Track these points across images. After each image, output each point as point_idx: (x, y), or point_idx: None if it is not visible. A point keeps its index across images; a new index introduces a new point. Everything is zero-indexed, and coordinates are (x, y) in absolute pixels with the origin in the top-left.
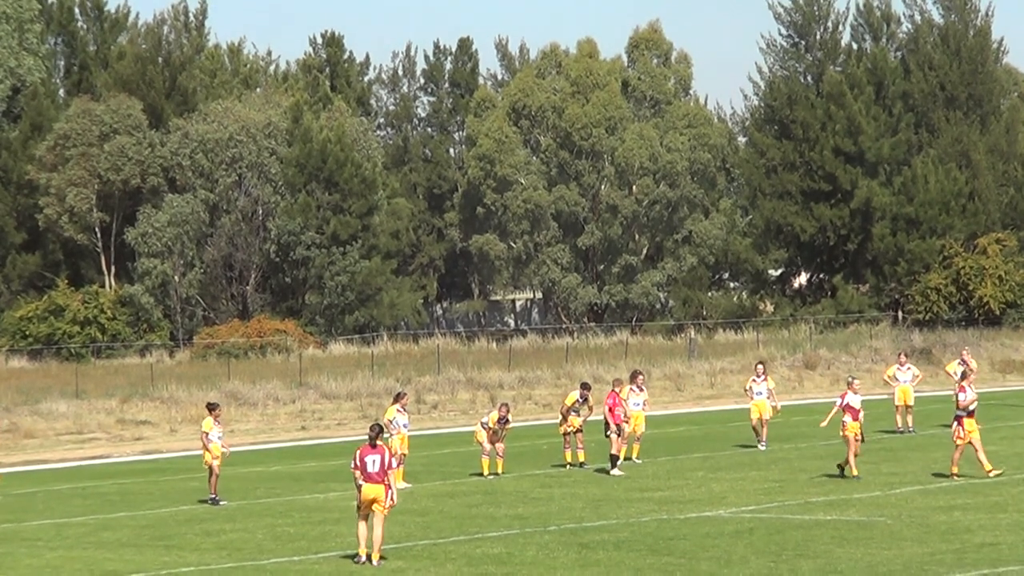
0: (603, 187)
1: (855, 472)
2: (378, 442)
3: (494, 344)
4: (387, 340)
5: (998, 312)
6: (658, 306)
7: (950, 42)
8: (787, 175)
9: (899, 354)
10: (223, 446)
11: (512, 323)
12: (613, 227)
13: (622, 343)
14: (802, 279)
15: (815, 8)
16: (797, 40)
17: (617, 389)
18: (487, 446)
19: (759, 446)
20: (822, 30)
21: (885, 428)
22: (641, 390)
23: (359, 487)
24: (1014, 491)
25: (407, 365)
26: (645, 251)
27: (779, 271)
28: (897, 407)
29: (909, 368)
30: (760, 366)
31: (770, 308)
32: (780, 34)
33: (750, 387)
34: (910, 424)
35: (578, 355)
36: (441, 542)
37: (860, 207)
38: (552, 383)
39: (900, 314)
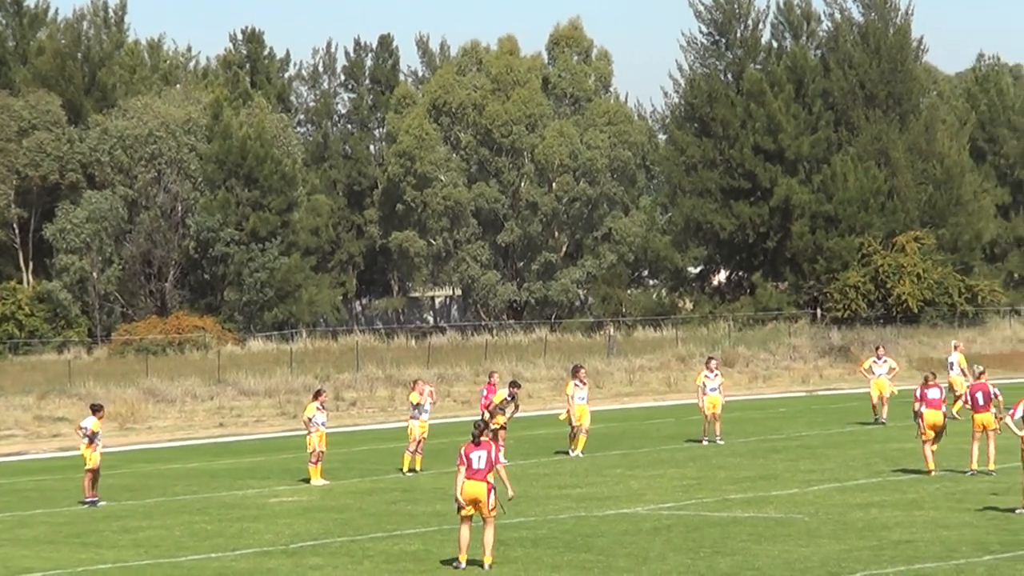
0: (523, 184)
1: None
2: (483, 438)
3: (413, 341)
4: (306, 337)
5: (916, 310)
6: (577, 303)
7: (870, 41)
8: (707, 173)
9: (876, 348)
10: None
11: (431, 320)
12: (533, 224)
13: (541, 340)
14: (721, 277)
15: (735, 6)
16: (717, 38)
17: (494, 382)
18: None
19: (716, 440)
20: (742, 28)
21: (860, 420)
22: (584, 384)
23: (460, 485)
24: (931, 488)
25: (326, 362)
26: (565, 248)
27: (698, 269)
28: (874, 401)
29: (886, 361)
30: (713, 361)
31: (689, 306)
32: (700, 32)
33: (703, 383)
34: (884, 415)
35: (497, 352)
36: (359, 539)
37: (779, 205)
38: (471, 380)
39: (819, 312)
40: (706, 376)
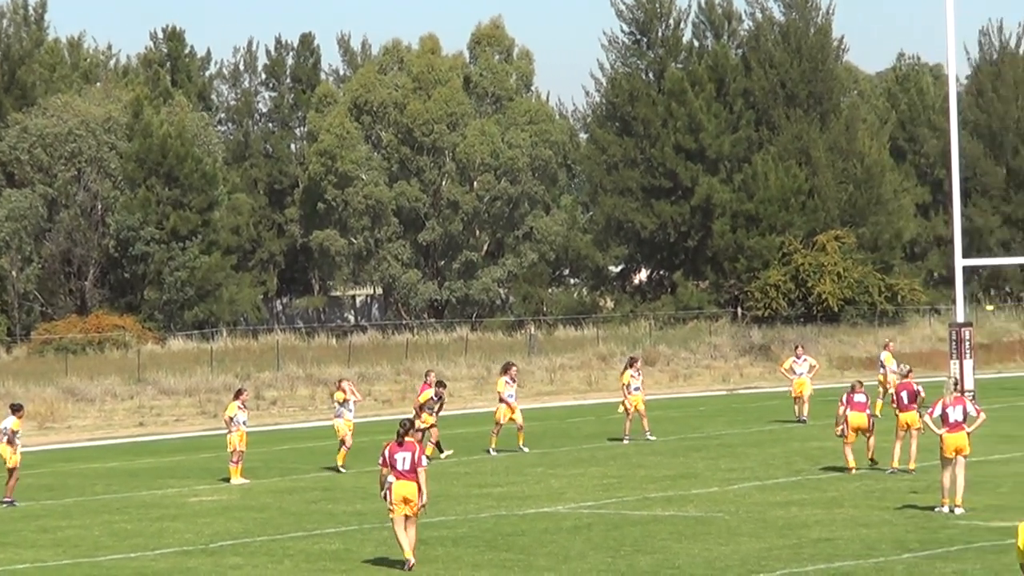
0: (444, 183)
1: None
2: (408, 439)
3: (334, 340)
4: (226, 336)
5: (836, 309)
6: (498, 302)
7: (791, 40)
8: (628, 172)
9: (796, 347)
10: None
11: (352, 319)
12: (454, 223)
13: (462, 339)
14: (642, 275)
15: (657, 5)
16: (639, 37)
17: (430, 381)
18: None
19: (647, 437)
20: (664, 27)
21: (780, 419)
22: (514, 381)
23: (389, 486)
24: (850, 487)
25: (246, 361)
26: (486, 247)
27: (619, 268)
28: (795, 398)
29: (805, 360)
30: (636, 360)
31: (610, 304)
32: (622, 31)
33: (628, 383)
34: (805, 413)
35: (418, 351)
36: (279, 538)
37: (700, 204)
38: (392, 379)
39: (739, 310)
40: (632, 375)
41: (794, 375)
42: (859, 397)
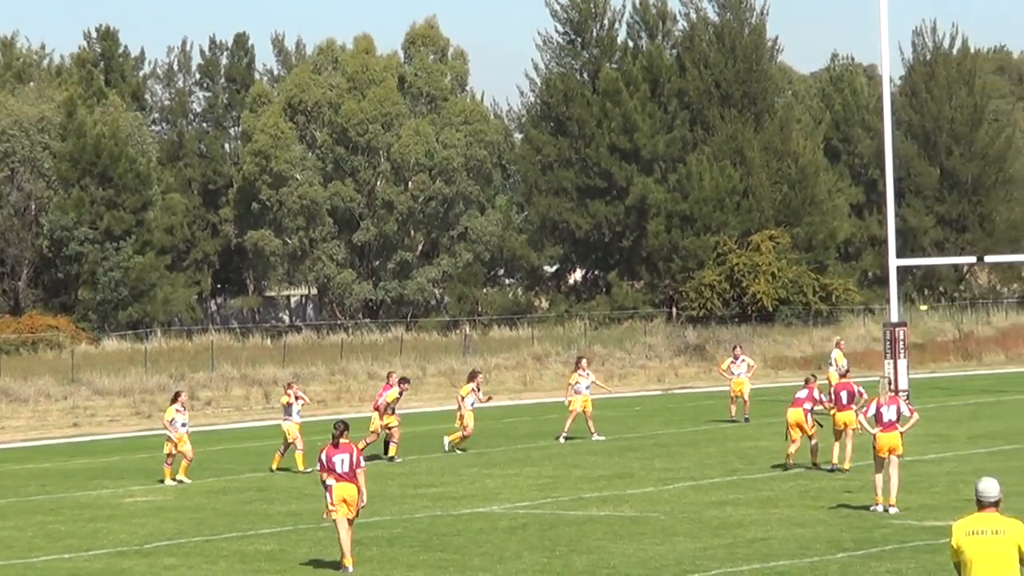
0: (379, 183)
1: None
2: (342, 440)
3: (268, 340)
4: (160, 336)
5: (771, 309)
6: (433, 302)
7: (725, 40)
8: (563, 172)
9: (734, 347)
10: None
11: (287, 319)
12: (389, 223)
13: (397, 339)
14: (577, 275)
15: (591, 5)
16: (573, 37)
17: (392, 382)
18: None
19: (593, 436)
20: (598, 27)
21: (716, 419)
22: (479, 390)
23: (328, 488)
24: (785, 486)
25: (180, 361)
26: (421, 247)
27: (554, 267)
28: (733, 398)
29: (743, 360)
30: (583, 360)
31: (545, 304)
32: (557, 31)
33: (576, 381)
34: (746, 412)
35: (353, 351)
36: (214, 539)
37: (635, 204)
38: (327, 379)
39: (674, 310)
40: (580, 375)
41: (732, 376)
42: (801, 393)
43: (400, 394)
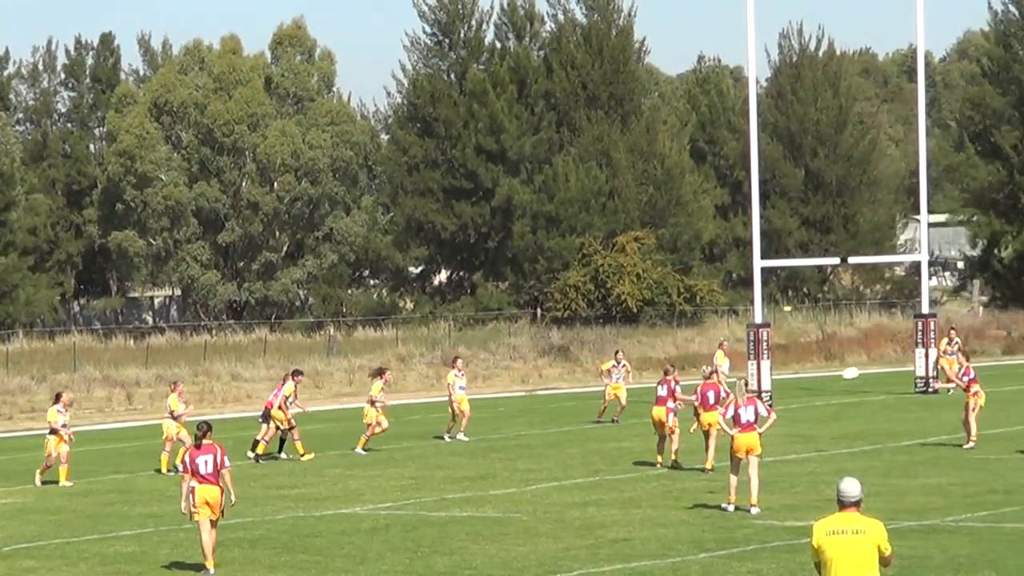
0: (244, 184)
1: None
2: (206, 441)
3: (132, 341)
4: (23, 337)
5: (636, 310)
6: (298, 303)
7: (593, 42)
8: (429, 173)
9: (616, 352)
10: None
11: (150, 320)
12: (254, 224)
13: (261, 340)
14: (442, 276)
15: (459, 6)
16: (441, 38)
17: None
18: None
19: (459, 437)
20: (466, 28)
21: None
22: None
23: (192, 491)
24: (648, 487)
25: (43, 363)
26: (286, 248)
27: (419, 268)
28: (609, 401)
29: (624, 364)
30: (459, 360)
31: (410, 305)
32: (424, 32)
33: (453, 381)
34: (618, 416)
35: (216, 352)
36: (74, 541)
37: (501, 205)
38: (190, 380)
39: (539, 311)
40: (455, 375)
41: (610, 380)
42: (662, 391)
43: (295, 387)
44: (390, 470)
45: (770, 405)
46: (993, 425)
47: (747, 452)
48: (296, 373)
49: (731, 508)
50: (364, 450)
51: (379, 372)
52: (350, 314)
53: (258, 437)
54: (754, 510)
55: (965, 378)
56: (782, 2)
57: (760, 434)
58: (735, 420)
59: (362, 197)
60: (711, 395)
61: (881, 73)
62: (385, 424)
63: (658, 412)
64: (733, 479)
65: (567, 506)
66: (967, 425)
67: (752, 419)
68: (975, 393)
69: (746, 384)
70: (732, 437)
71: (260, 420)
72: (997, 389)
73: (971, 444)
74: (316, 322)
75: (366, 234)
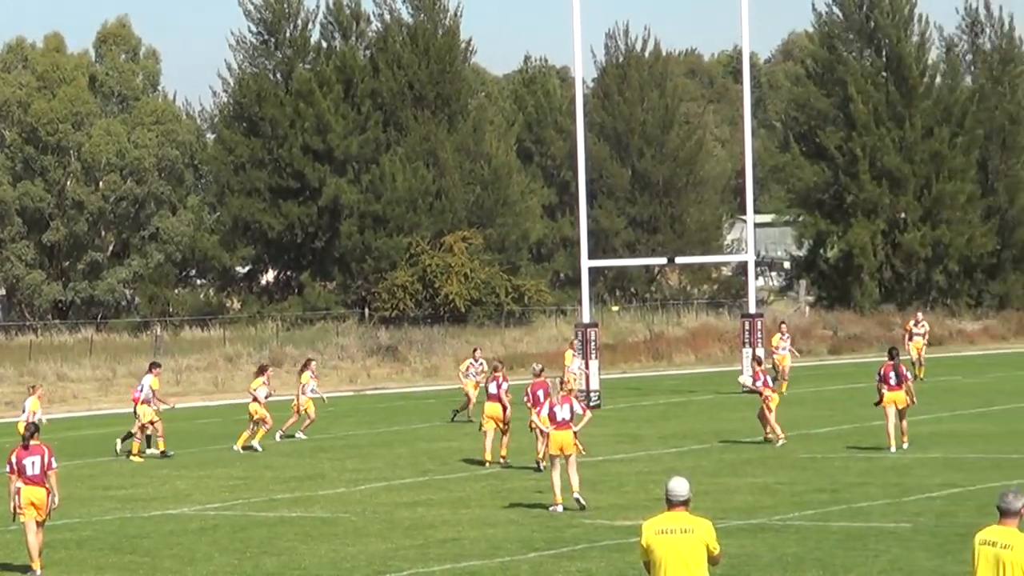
0: (69, 183)
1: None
2: (33, 442)
3: None
4: None
5: (464, 310)
6: (124, 303)
7: (419, 41)
8: (255, 172)
9: (474, 349)
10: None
11: None
12: (79, 223)
13: (87, 340)
14: (269, 276)
15: (285, 6)
16: (267, 37)
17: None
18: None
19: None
20: (292, 28)
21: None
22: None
23: (17, 491)
24: (476, 487)
25: None
26: (111, 248)
27: (247, 268)
28: (469, 398)
29: (482, 363)
30: (312, 361)
31: (237, 305)
32: (250, 31)
33: (307, 383)
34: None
35: (42, 352)
36: None
37: (328, 205)
38: (16, 381)
39: (367, 311)
40: (310, 376)
41: (469, 378)
42: (491, 387)
43: (156, 378)
44: (218, 470)
45: (597, 405)
46: (820, 424)
47: (562, 450)
48: (153, 366)
49: (559, 509)
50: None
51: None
52: (177, 314)
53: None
54: (580, 499)
55: (757, 383)
56: (608, 3)
57: (575, 432)
58: (550, 418)
59: (188, 196)
60: (541, 393)
61: (707, 74)
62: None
63: (491, 408)
64: (555, 477)
65: (396, 506)
66: (770, 426)
67: (568, 417)
68: (767, 398)
69: (561, 382)
70: (547, 435)
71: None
72: (823, 388)
73: (782, 442)
74: (143, 322)
75: (192, 233)
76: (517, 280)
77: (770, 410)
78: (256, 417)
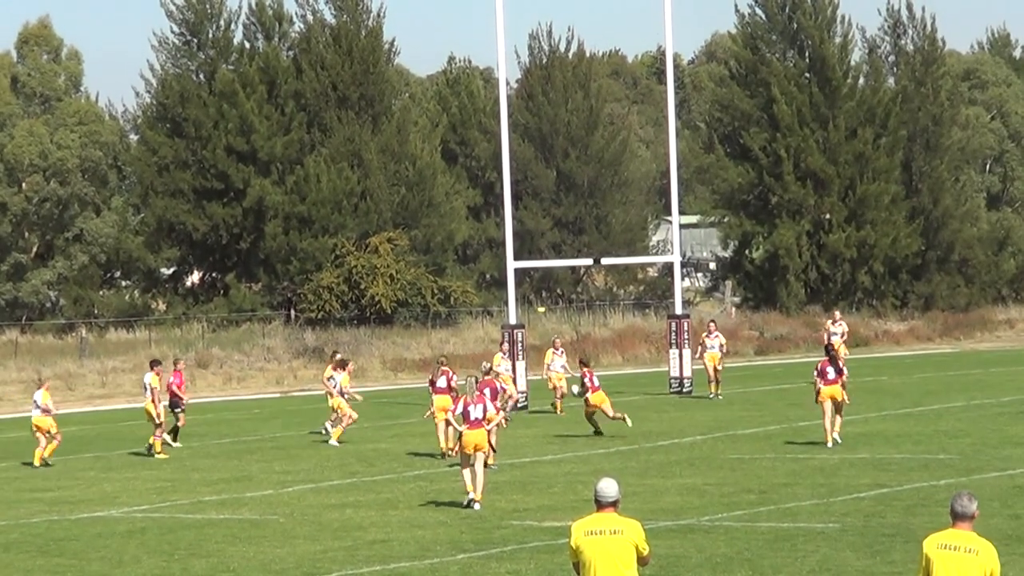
0: None
1: None
2: None
3: None
4: None
5: (390, 311)
6: (48, 305)
7: (342, 42)
8: (179, 173)
9: (554, 339)
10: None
11: None
12: (2, 225)
13: (12, 342)
14: (195, 278)
15: (207, 6)
16: (189, 38)
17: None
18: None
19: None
20: (215, 28)
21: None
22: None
23: None
24: (405, 488)
25: None
26: (35, 249)
27: (172, 269)
28: (557, 388)
29: (562, 351)
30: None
31: (162, 307)
32: (173, 32)
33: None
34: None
35: None
36: None
37: (253, 206)
38: None
39: (293, 313)
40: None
41: (553, 371)
42: (441, 382)
43: (157, 376)
44: (145, 472)
45: (525, 406)
46: (748, 425)
47: (475, 449)
48: (154, 363)
49: (472, 495)
50: (339, 442)
51: (343, 363)
52: (102, 315)
53: (178, 424)
54: (476, 506)
55: (589, 382)
56: (531, 3)
57: (489, 431)
58: (464, 417)
59: (112, 198)
60: (488, 392)
61: (631, 74)
62: (355, 415)
63: (443, 401)
64: (466, 474)
65: (324, 508)
66: (596, 424)
67: (481, 416)
68: (588, 400)
69: (476, 381)
70: (461, 434)
71: (170, 409)
72: (750, 390)
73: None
74: (67, 324)
75: (117, 235)
76: (443, 281)
77: (593, 411)
78: (341, 413)
